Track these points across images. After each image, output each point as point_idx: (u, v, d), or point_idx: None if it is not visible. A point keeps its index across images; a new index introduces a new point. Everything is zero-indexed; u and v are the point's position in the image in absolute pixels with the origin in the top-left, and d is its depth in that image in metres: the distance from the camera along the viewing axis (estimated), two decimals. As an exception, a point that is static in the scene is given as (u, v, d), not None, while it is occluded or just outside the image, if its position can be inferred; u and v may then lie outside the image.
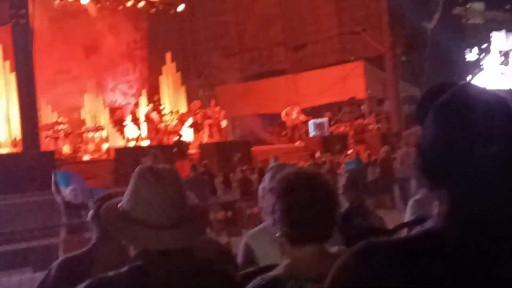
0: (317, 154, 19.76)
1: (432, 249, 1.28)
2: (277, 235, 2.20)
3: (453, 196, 1.30)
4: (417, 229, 1.35)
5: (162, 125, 23.42)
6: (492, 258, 1.26)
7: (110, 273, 2.09)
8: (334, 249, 2.24)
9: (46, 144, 20.50)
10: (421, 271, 1.26)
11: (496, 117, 1.28)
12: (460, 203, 1.29)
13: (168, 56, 25.72)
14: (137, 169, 2.20)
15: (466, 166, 1.27)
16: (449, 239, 1.28)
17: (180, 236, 2.12)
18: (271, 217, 2.22)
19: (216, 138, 23.92)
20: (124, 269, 2.09)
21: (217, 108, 24.83)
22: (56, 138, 21.21)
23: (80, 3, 24.33)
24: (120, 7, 25.85)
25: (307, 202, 2.15)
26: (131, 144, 22.55)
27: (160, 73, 25.84)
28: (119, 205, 2.20)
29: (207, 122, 24.28)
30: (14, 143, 19.92)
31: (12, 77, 19.16)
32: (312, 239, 2.17)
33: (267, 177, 3.69)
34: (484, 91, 1.34)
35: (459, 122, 1.29)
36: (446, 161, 1.29)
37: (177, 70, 25.96)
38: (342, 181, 5.21)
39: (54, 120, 22.13)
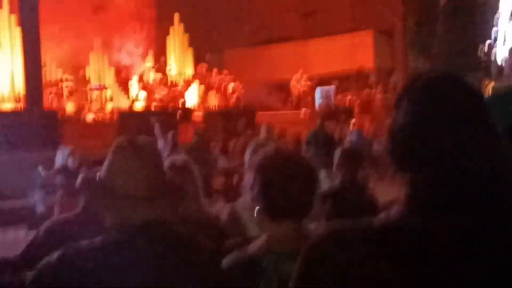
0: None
1: (396, 237, 1.34)
2: (255, 210, 2.24)
3: (417, 180, 1.36)
4: (384, 214, 1.40)
5: (166, 89, 23.27)
6: (456, 241, 1.30)
7: (84, 243, 2.06)
8: (312, 226, 2.30)
9: (49, 100, 20.37)
10: (384, 260, 1.31)
11: (461, 108, 1.37)
12: (423, 187, 1.34)
13: (176, 16, 25.40)
14: (116, 141, 2.20)
15: (431, 152, 1.34)
16: (412, 225, 1.33)
17: (155, 208, 2.10)
18: (250, 192, 2.28)
19: (223, 102, 23.79)
20: (98, 239, 2.06)
21: (224, 72, 24.65)
22: (60, 96, 21.07)
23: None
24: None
25: (284, 180, 2.20)
26: (136, 104, 22.41)
27: (167, 34, 25.58)
28: (97, 175, 2.18)
29: (214, 86, 24.20)
30: (17, 98, 19.80)
31: (17, 31, 18.94)
32: (289, 216, 2.22)
33: (247, 153, 3.79)
34: (455, 82, 1.41)
35: (427, 110, 1.38)
36: (411, 147, 1.36)
37: (185, 32, 25.68)
38: (336, 157, 5.11)
39: (59, 77, 21.98)
